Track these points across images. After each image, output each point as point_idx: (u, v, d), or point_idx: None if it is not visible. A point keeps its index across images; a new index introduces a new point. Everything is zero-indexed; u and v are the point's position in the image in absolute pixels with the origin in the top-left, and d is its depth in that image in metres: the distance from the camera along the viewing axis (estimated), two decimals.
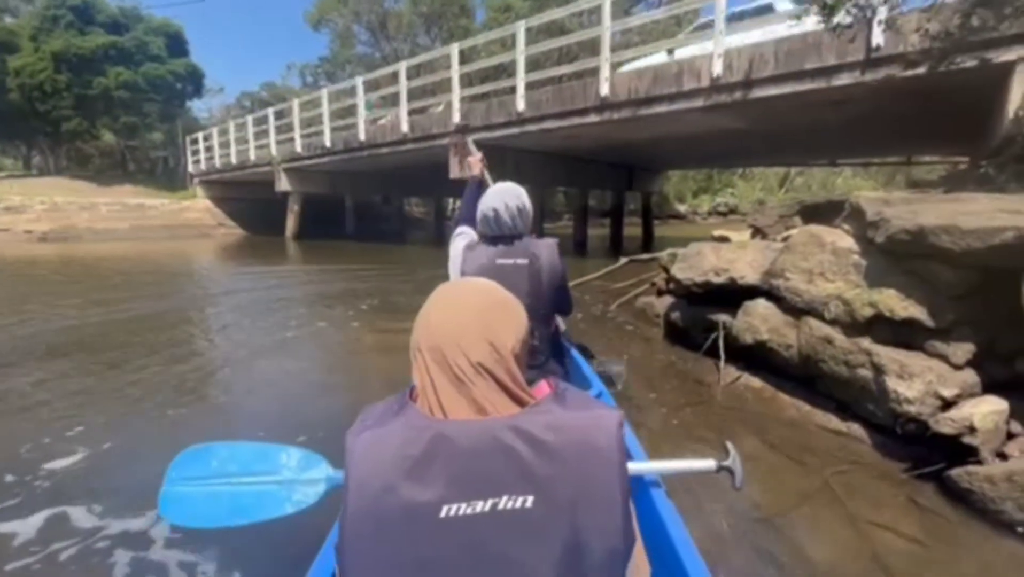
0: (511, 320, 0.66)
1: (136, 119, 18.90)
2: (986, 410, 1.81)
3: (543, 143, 10.66)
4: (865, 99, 6.45)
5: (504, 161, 11.45)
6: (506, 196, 1.60)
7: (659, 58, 8.74)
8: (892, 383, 2.10)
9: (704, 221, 22.30)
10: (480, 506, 0.53)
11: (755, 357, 3.05)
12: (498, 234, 1.61)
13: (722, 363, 3.22)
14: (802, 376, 2.75)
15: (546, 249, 1.59)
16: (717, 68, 6.88)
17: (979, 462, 1.79)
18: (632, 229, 15.74)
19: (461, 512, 0.53)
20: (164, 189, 20.00)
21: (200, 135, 18.63)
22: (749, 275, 3.14)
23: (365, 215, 19.44)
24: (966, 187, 2.92)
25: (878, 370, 2.18)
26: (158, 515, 1.08)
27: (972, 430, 1.80)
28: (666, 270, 4.37)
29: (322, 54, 25.42)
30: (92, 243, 15.20)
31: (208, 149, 18.24)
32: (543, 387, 0.66)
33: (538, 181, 13.22)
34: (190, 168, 19.73)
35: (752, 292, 3.15)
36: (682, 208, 25.31)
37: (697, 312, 3.63)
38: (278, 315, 5.52)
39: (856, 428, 2.36)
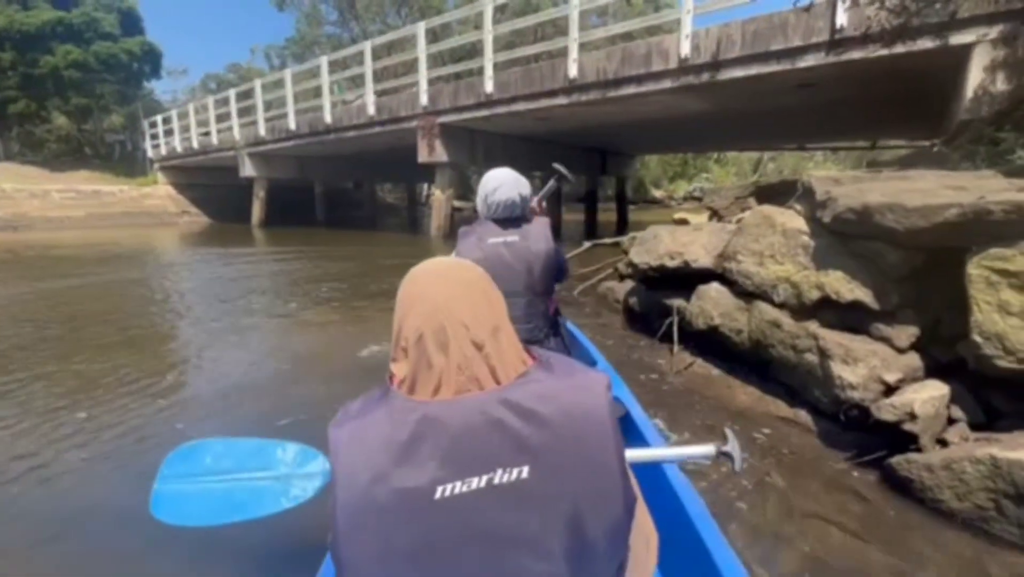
0: (494, 288, 0.66)
1: (89, 101, 17.94)
2: (927, 396, 1.74)
3: (513, 126, 10.44)
4: (831, 82, 6.42)
5: (474, 145, 11.20)
6: (518, 186, 1.69)
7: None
8: (837, 368, 2.03)
9: (680, 206, 22.38)
10: (475, 483, 0.52)
11: (709, 342, 2.97)
12: (505, 217, 1.68)
13: (675, 349, 3.14)
14: (754, 361, 2.68)
15: (538, 226, 1.67)
16: (685, 49, 6.76)
17: (920, 449, 1.73)
18: (608, 215, 15.67)
19: (456, 491, 0.52)
20: (123, 175, 19.13)
21: (159, 118, 17.79)
22: (702, 258, 3.05)
23: (336, 201, 18.94)
24: (920, 167, 2.86)
25: (823, 355, 2.11)
26: (149, 515, 1.01)
27: (913, 417, 1.73)
28: (627, 254, 4.27)
29: (289, 35, 24.51)
30: (44, 232, 14.47)
31: (168, 133, 17.45)
32: (527, 359, 0.64)
33: (508, 165, 12.99)
34: (150, 153, 18.89)
35: (707, 276, 3.06)
36: (658, 193, 25.38)
37: (654, 297, 3.54)
38: (237, 303, 5.28)
39: (803, 415, 2.29)
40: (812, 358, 2.18)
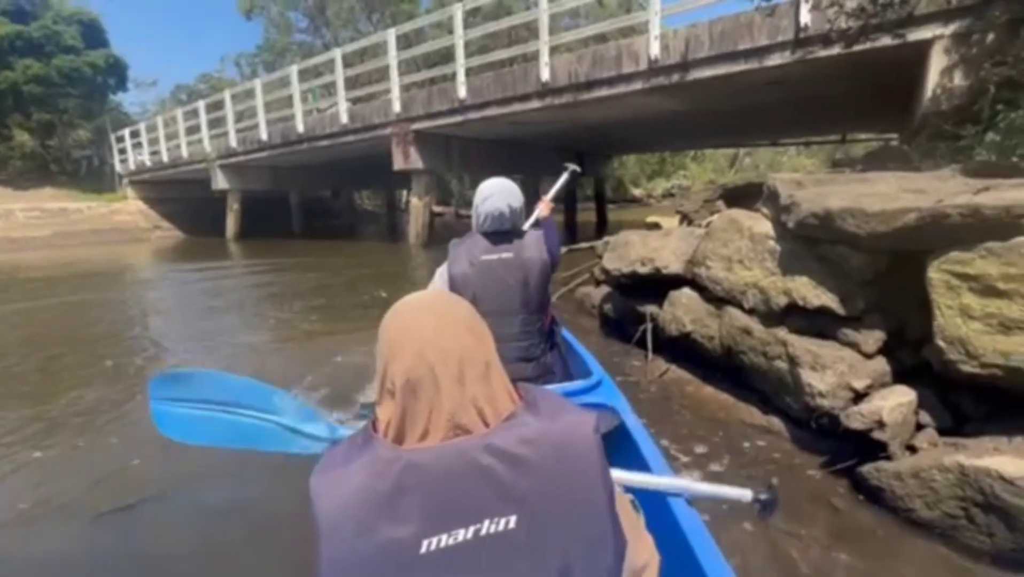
0: (482, 324, 0.63)
1: (52, 116, 17.42)
2: (894, 403, 1.72)
3: (488, 130, 10.39)
4: (798, 80, 6.49)
5: (449, 150, 11.11)
6: (510, 197, 1.62)
7: None
8: (806, 375, 2.00)
9: (659, 204, 22.55)
10: (462, 535, 0.50)
11: (682, 348, 2.95)
12: (497, 230, 1.63)
13: (649, 356, 3.11)
14: (727, 368, 2.65)
15: (532, 239, 1.61)
16: (654, 50, 6.78)
17: (889, 457, 1.71)
18: (588, 214, 15.69)
19: (443, 544, 0.50)
20: (91, 191, 18.59)
21: (127, 131, 17.34)
22: (673, 264, 3.02)
23: (313, 211, 18.67)
24: (885, 165, 2.88)
25: (793, 362, 2.09)
26: (158, 433, 1.04)
27: (881, 425, 1.71)
28: (601, 259, 4.24)
29: (258, 43, 24.14)
30: (7, 253, 13.97)
31: (137, 146, 17.01)
32: (512, 398, 0.61)
33: (485, 169, 12.94)
34: (118, 168, 18.40)
35: (679, 281, 3.04)
36: (637, 192, 25.56)
37: (628, 303, 3.51)
38: (207, 322, 5.12)
39: (776, 423, 2.27)
40: (782, 365, 2.16)
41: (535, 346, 1.59)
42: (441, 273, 1.66)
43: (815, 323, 2.12)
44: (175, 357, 4.09)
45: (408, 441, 0.55)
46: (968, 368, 1.59)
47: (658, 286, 3.18)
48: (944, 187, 1.86)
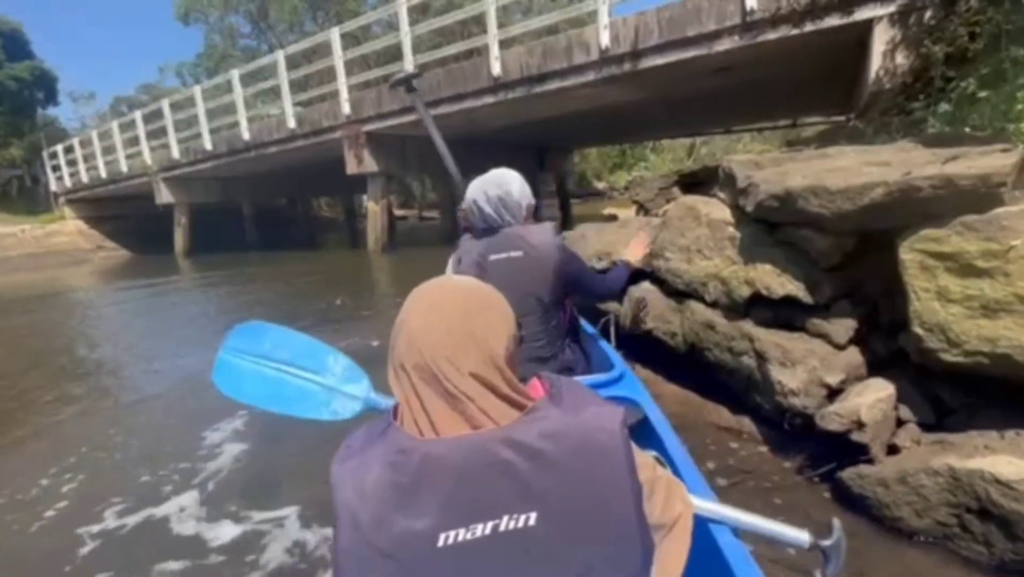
0: (498, 319, 0.60)
1: None
2: (872, 399, 1.55)
3: (444, 128, 10.03)
4: (747, 65, 6.45)
5: (405, 151, 10.73)
6: (486, 185, 1.53)
7: None
8: (775, 372, 1.83)
9: (622, 196, 22.67)
10: (480, 529, 0.49)
11: (645, 345, 2.76)
12: (485, 227, 1.54)
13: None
14: (693, 365, 2.48)
15: (540, 235, 1.50)
16: (604, 39, 6.64)
17: (871, 460, 1.54)
18: (551, 211, 15.55)
19: (460, 538, 0.49)
20: (24, 213, 17.36)
21: (59, 148, 16.25)
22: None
23: (268, 222, 17.90)
24: (839, 143, 2.75)
25: (760, 357, 1.91)
26: (211, 382, 1.09)
27: (860, 425, 1.54)
28: None
29: (198, 51, 23.06)
30: None
31: (72, 163, 15.95)
32: (535, 387, 0.61)
33: (443, 168, 12.65)
34: (53, 186, 17.24)
35: (638, 275, 2.85)
36: (600, 185, 25.66)
37: (587, 300, 3.31)
38: (146, 342, 4.67)
39: (748, 424, 2.10)
40: (749, 361, 1.98)
41: (552, 344, 1.50)
42: (448, 269, 1.60)
43: (781, 314, 1.95)
44: (109, 380, 3.74)
45: (425, 429, 0.54)
46: (950, 357, 1.43)
47: None
48: (909, 158, 1.70)
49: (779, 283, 1.91)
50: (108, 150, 14.77)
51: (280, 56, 10.48)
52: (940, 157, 1.58)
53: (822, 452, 1.73)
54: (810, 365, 1.75)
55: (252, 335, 1.16)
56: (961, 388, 1.51)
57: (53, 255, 15.88)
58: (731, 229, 2.20)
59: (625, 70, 6.71)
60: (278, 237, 16.91)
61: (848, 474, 1.56)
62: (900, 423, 1.61)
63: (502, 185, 1.53)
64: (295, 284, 8.24)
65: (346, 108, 9.73)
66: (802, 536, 0.88)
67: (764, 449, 1.99)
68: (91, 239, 16.97)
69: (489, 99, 8.12)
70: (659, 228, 2.64)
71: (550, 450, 0.50)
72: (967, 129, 2.55)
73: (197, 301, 7.70)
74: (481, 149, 12.30)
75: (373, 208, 10.61)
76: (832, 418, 1.58)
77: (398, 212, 20.21)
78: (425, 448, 0.51)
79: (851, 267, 1.81)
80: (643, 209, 3.18)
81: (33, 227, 16.48)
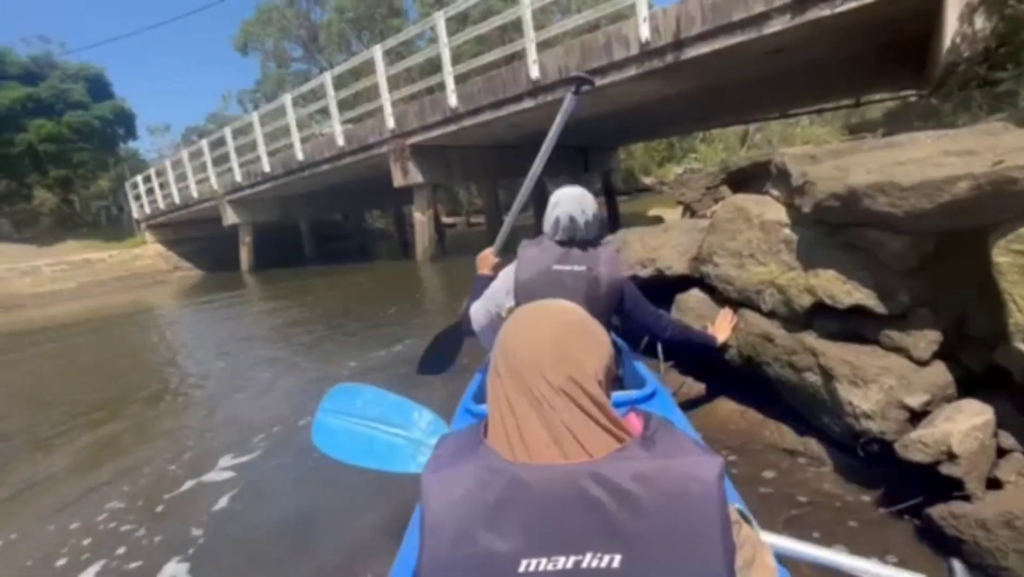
0: (593, 344, 0.61)
1: (67, 171, 17.92)
2: (966, 426, 1.34)
3: (486, 136, 10.10)
4: (801, 45, 6.01)
5: (448, 161, 10.85)
6: (583, 203, 1.64)
7: None
8: (845, 392, 1.63)
9: (672, 192, 21.90)
10: (562, 562, 0.49)
11: (697, 359, 2.58)
12: (570, 239, 1.62)
13: (662, 367, 2.74)
14: (750, 380, 2.28)
15: (606, 257, 1.60)
16: (644, 32, 6.42)
17: (967, 497, 1.33)
18: (600, 209, 15.24)
19: (541, 567, 0.49)
20: (112, 239, 19.05)
21: (139, 178, 17.73)
22: (676, 264, 2.66)
23: (324, 236, 18.73)
24: (911, 124, 2.46)
25: (827, 374, 1.71)
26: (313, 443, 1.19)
27: (952, 456, 1.33)
28: None
29: (256, 78, 24.50)
30: (36, 309, 14.30)
31: (150, 191, 17.37)
32: (632, 420, 0.60)
33: (487, 175, 12.66)
34: (135, 214, 18.82)
35: (686, 282, 2.68)
36: (648, 180, 24.94)
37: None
38: (223, 356, 4.97)
39: (815, 447, 1.89)
40: (814, 378, 1.78)
41: None
42: (507, 273, 1.66)
43: (849, 325, 1.74)
44: (199, 389, 4.20)
45: (515, 449, 0.55)
46: None
47: (664, 288, 2.82)
48: (999, 143, 1.47)
49: (845, 291, 1.70)
50: (180, 177, 15.95)
51: (327, 77, 10.88)
52: None
53: (905, 483, 1.51)
54: (886, 384, 1.54)
55: (345, 396, 1.24)
56: None
57: (137, 277, 17.30)
58: (786, 231, 2.00)
59: (667, 62, 6.44)
60: (333, 250, 17.63)
61: (939, 512, 1.35)
62: (1001, 452, 1.38)
63: (583, 200, 1.64)
64: (350, 295, 8.54)
65: (391, 123, 9.97)
66: None
67: (835, 476, 1.78)
68: (169, 260, 18.36)
69: (529, 103, 8.06)
70: (707, 231, 2.46)
71: (640, 494, 0.50)
72: None
73: (264, 312, 8.27)
74: (525, 153, 12.25)
75: (420, 218, 10.80)
76: (916, 448, 1.37)
77: (446, 220, 20.56)
78: (514, 471, 0.52)
79: (932, 271, 1.58)
80: (689, 210, 2.99)
81: (120, 252, 18.03)
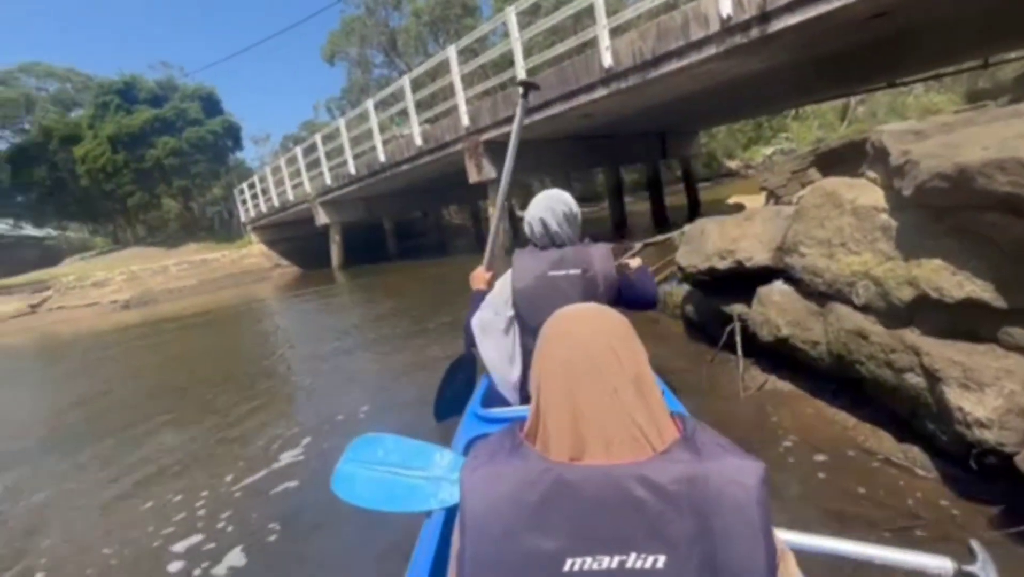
0: (639, 344, 0.62)
1: (186, 181, 20.25)
2: None
3: (558, 128, 10.03)
4: (911, 3, 5.34)
5: (524, 154, 10.87)
6: (552, 202, 1.61)
7: None
8: (954, 396, 1.45)
9: (760, 174, 20.43)
10: (606, 562, 0.50)
11: (780, 354, 2.42)
12: (547, 244, 1.63)
13: (740, 367, 2.60)
14: (841, 379, 2.10)
15: (599, 256, 1.59)
16: (726, 8, 6.02)
17: None
18: (678, 198, 14.60)
19: (586, 567, 0.50)
20: (224, 241, 21.35)
21: (244, 185, 19.65)
22: (758, 254, 2.50)
23: (405, 233, 19.68)
24: None
25: (932, 376, 1.54)
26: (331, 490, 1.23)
27: None
28: None
29: (342, 85, 26.09)
30: (168, 303, 16.41)
31: (253, 197, 19.21)
32: (669, 426, 0.60)
33: (562, 166, 12.58)
34: (242, 217, 20.91)
35: (769, 274, 2.51)
36: (733, 164, 23.48)
37: (711, 303, 3.00)
38: (322, 343, 5.49)
39: (917, 454, 1.71)
40: (916, 380, 1.61)
41: None
42: (503, 283, 1.66)
43: (960, 321, 1.55)
44: (306, 378, 4.60)
45: (554, 450, 0.55)
46: None
47: (744, 280, 2.66)
48: None
49: (955, 283, 1.52)
50: (278, 182, 17.48)
51: (405, 81, 11.34)
52: None
53: None
54: (1006, 388, 1.36)
55: (367, 446, 1.27)
56: None
57: (245, 274, 19.25)
58: (884, 216, 1.81)
59: (752, 37, 5.99)
60: (413, 246, 18.49)
61: None
62: None
63: (566, 202, 1.62)
64: (429, 287, 8.94)
65: (465, 120, 10.20)
66: (943, 563, 0.80)
67: (942, 489, 1.60)
68: (271, 259, 20.22)
69: (601, 91, 7.88)
70: (792, 218, 2.29)
71: (684, 495, 0.50)
72: None
73: (355, 304, 9.10)
74: (599, 143, 12.00)
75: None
76: None
77: (520, 213, 20.74)
78: (558, 471, 0.53)
79: None
80: (773, 196, 2.80)
81: (231, 252, 20.17)
